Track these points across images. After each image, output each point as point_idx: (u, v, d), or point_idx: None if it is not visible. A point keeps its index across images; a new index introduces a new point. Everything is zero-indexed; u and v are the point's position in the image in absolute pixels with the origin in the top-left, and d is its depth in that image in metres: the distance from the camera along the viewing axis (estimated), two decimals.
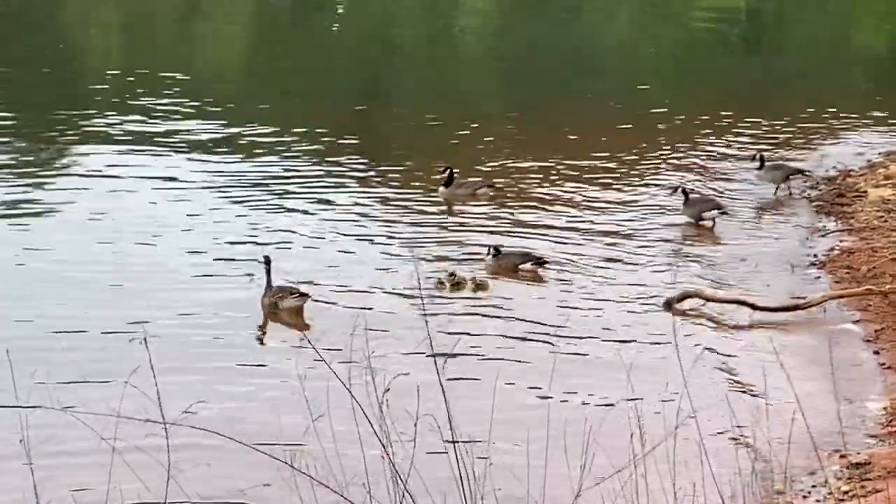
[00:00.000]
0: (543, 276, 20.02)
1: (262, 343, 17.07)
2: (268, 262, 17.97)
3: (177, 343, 15.98)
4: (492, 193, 24.64)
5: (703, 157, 28.90)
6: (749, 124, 32.57)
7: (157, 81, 36.85)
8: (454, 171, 24.58)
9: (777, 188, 25.66)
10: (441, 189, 24.52)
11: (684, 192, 23.73)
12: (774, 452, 9.50)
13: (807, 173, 26.30)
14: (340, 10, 61.20)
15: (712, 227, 23.11)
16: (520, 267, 20.08)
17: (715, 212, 23.40)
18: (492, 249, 20.25)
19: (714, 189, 26.06)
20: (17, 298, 17.81)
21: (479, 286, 19.06)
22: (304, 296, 17.70)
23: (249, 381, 15.11)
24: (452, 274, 19.06)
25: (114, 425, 8.22)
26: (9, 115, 31.77)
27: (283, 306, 17.58)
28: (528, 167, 27.30)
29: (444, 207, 24.07)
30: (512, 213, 23.68)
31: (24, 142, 28.96)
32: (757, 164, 25.89)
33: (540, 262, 20.21)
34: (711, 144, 30.24)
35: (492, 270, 19.99)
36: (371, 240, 21.68)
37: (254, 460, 8.80)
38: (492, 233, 21.46)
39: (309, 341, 8.21)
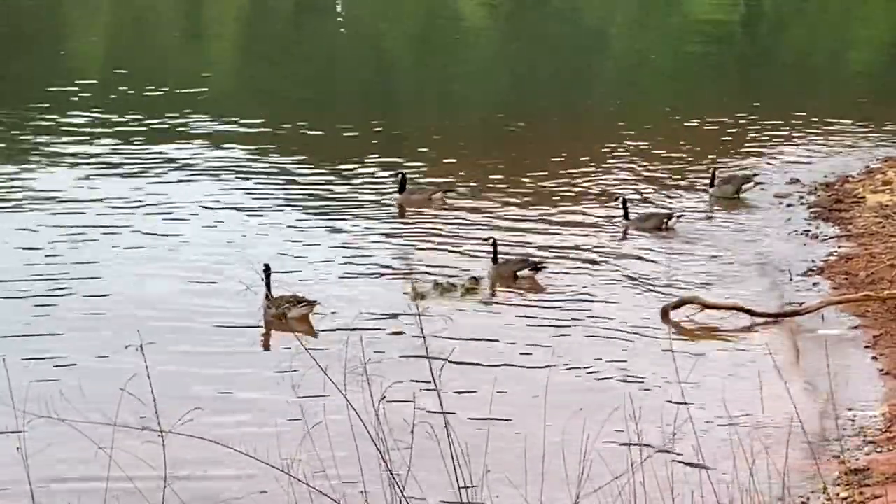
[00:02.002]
0: (541, 282, 20.02)
1: (258, 351, 17.05)
2: (267, 270, 17.96)
3: (172, 351, 15.97)
4: (447, 199, 24.82)
5: (694, 164, 28.94)
6: (743, 128, 32.63)
7: (156, 84, 36.94)
8: (406, 176, 24.86)
9: (736, 196, 25.69)
10: (395, 195, 24.70)
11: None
12: (772, 458, 9.47)
13: (757, 180, 26.26)
14: (339, 9, 61.31)
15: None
16: (518, 273, 20.09)
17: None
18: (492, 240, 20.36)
19: (709, 194, 26.08)
20: (14, 305, 17.79)
21: (470, 290, 19.09)
22: (312, 304, 17.73)
23: (246, 389, 15.10)
24: (438, 284, 19.11)
25: (110, 434, 8.22)
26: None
27: (292, 315, 17.59)
28: (526, 170, 27.36)
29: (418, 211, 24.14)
30: (510, 217, 23.79)
31: (24, 146, 29.01)
32: (709, 181, 25.94)
33: (538, 267, 20.23)
34: (707, 151, 30.24)
35: (491, 277, 20.00)
36: (367, 246, 21.69)
37: (250, 468, 8.79)
38: (486, 238, 21.36)
39: (306, 349, 8.16)
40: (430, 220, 23.60)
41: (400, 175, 24.79)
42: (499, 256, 20.28)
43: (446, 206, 24.47)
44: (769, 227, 23.84)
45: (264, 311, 17.78)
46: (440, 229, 22.93)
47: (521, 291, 19.61)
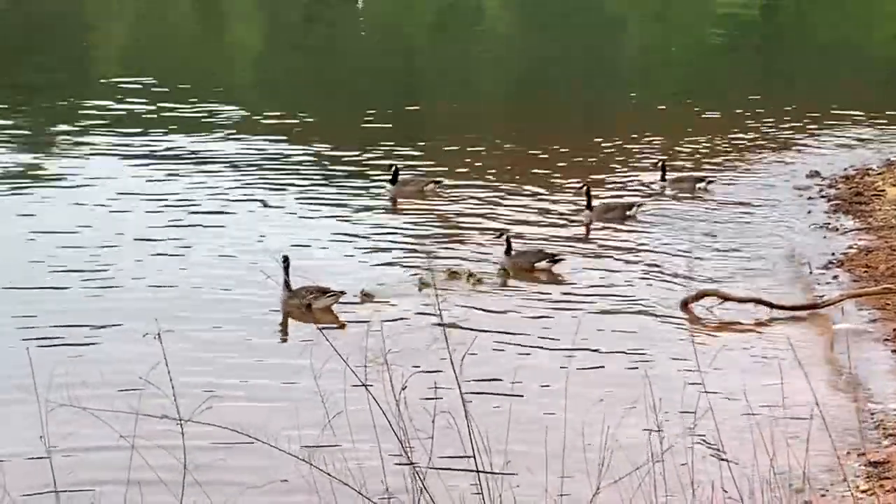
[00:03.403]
0: (560, 273, 20.02)
1: (277, 340, 17.07)
2: (286, 261, 17.99)
3: (193, 340, 16.01)
4: (437, 190, 24.90)
5: (714, 156, 28.93)
6: (765, 122, 32.53)
7: (177, 76, 36.99)
8: (399, 168, 24.98)
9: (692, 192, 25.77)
10: (388, 186, 24.77)
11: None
12: (793, 451, 9.45)
13: (708, 179, 26.24)
14: (360, 5, 61.34)
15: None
16: (536, 265, 20.08)
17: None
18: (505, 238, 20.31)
19: (729, 186, 26.08)
20: (36, 295, 17.84)
21: (478, 280, 19.08)
22: (338, 294, 17.76)
23: (266, 378, 15.12)
24: (453, 272, 19.09)
25: (132, 422, 8.23)
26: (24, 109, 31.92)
27: (318, 305, 17.64)
28: (545, 164, 27.37)
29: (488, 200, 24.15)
30: (525, 210, 23.78)
31: (44, 139, 29.11)
32: (659, 173, 26.06)
33: (555, 259, 20.23)
34: (727, 144, 30.19)
35: (505, 268, 19.98)
36: (385, 237, 21.73)
37: (271, 457, 8.79)
38: (503, 230, 21.35)
39: (326, 338, 8.15)
40: (447, 210, 23.66)
41: (392, 167, 24.90)
42: (513, 248, 20.27)
43: (463, 197, 24.49)
44: (789, 219, 23.78)
45: (283, 301, 17.82)
46: (455, 219, 22.97)
47: (540, 282, 19.61)
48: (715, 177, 26.57)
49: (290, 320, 17.58)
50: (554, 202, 24.51)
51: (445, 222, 22.95)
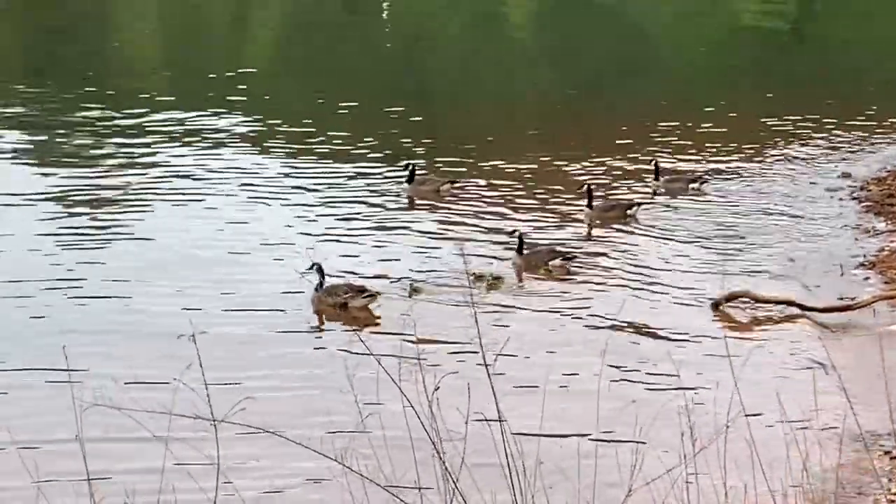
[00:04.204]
0: (589, 273, 19.99)
1: (312, 340, 17.09)
2: (320, 270, 18.01)
3: (226, 340, 16.06)
4: (454, 190, 24.96)
5: (745, 157, 28.88)
6: (795, 124, 32.44)
7: (204, 78, 37.12)
8: (416, 167, 25.04)
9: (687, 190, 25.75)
10: (404, 185, 24.89)
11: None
12: (826, 452, 9.44)
13: (703, 179, 26.15)
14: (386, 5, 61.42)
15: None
16: (549, 263, 20.11)
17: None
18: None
19: (760, 187, 26.04)
20: (71, 298, 17.93)
21: (493, 284, 19.08)
22: (374, 295, 17.81)
23: (299, 378, 15.15)
24: (479, 276, 19.12)
25: (165, 421, 8.27)
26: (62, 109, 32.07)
27: (354, 305, 17.71)
28: (569, 164, 27.35)
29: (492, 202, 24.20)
30: (556, 211, 23.80)
31: (79, 140, 29.24)
32: (654, 173, 26.03)
33: (568, 257, 20.26)
34: (757, 146, 30.13)
35: (519, 267, 20.01)
36: (418, 237, 21.76)
37: (304, 457, 8.84)
38: (515, 228, 21.33)
39: (361, 338, 8.19)
40: (475, 211, 23.68)
41: (409, 166, 24.99)
42: (525, 247, 20.30)
43: (479, 196, 24.54)
44: (820, 221, 23.70)
45: (315, 301, 17.86)
46: (482, 222, 23.00)
47: (570, 283, 19.58)
48: (710, 177, 26.51)
49: (325, 321, 17.61)
50: (572, 204, 24.38)
51: (460, 222, 22.94)
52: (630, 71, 44.34)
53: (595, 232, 22.66)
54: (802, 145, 30.29)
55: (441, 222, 22.92)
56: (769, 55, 49.17)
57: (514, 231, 20.67)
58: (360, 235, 21.82)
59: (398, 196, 24.76)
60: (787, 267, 20.72)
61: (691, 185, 25.78)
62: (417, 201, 24.47)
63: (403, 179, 25.04)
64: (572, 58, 47.13)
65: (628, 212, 23.41)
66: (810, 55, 48.97)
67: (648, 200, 24.64)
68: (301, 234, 21.51)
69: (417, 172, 25.02)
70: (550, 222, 23.30)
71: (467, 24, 57.71)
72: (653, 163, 26.08)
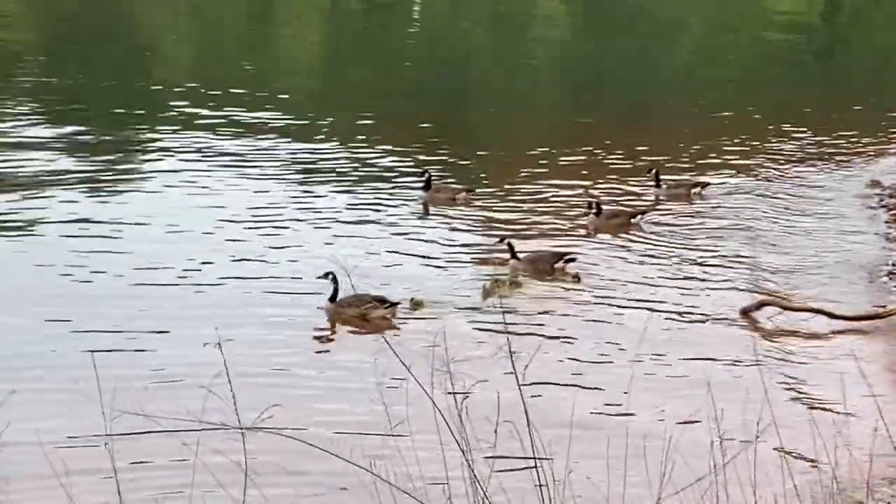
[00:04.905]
0: (620, 279, 19.94)
1: (339, 348, 17.09)
2: (335, 279, 18.02)
3: (253, 348, 16.07)
4: (470, 198, 25.04)
5: (774, 163, 28.83)
6: (825, 130, 32.36)
7: (233, 83, 37.26)
8: (431, 174, 25.22)
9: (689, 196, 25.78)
10: (420, 193, 24.99)
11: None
12: (856, 461, 9.39)
13: (703, 184, 26.20)
14: (417, 7, 61.55)
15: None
16: (555, 266, 20.19)
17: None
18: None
19: (789, 194, 25.98)
20: (97, 305, 17.97)
21: (514, 283, 19.08)
22: (394, 305, 17.82)
23: (328, 386, 15.15)
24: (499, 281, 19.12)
25: (194, 430, 8.25)
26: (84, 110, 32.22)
27: (374, 316, 17.72)
28: (589, 173, 27.37)
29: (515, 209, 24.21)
30: (570, 217, 23.85)
31: (98, 143, 29.37)
32: (654, 181, 26.06)
33: (570, 259, 20.34)
34: (786, 152, 30.07)
35: (523, 272, 20.00)
36: (445, 245, 21.75)
37: (333, 465, 8.83)
38: (502, 235, 21.33)
39: (391, 347, 8.16)
40: (497, 217, 23.71)
41: (425, 173, 25.15)
42: (522, 252, 20.42)
43: (496, 205, 24.58)
44: (850, 229, 23.63)
45: (330, 311, 17.87)
46: (496, 230, 23.03)
47: (599, 288, 19.54)
48: (711, 182, 26.51)
49: (352, 328, 17.62)
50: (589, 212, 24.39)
51: (477, 229, 22.96)
52: (657, 78, 44.32)
53: (612, 240, 22.57)
54: (831, 153, 30.22)
55: (456, 230, 22.89)
56: (798, 61, 49.11)
57: (502, 239, 20.71)
58: (376, 241, 21.82)
59: (414, 203, 24.77)
60: (815, 275, 20.65)
61: (693, 191, 25.83)
62: (433, 209, 24.49)
63: (420, 187, 25.11)
64: (598, 64, 47.09)
65: (632, 220, 23.42)
66: (840, 61, 48.84)
67: (658, 207, 24.59)
68: (324, 242, 21.48)
69: (433, 180, 25.12)
70: (564, 228, 23.29)
71: (493, 28, 57.73)
72: (653, 172, 26.11)
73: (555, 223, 23.61)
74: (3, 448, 10.73)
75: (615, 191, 26.05)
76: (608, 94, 39.69)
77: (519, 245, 20.93)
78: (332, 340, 17.39)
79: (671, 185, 26.09)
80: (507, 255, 20.49)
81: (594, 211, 23.35)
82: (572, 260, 20.50)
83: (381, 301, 17.86)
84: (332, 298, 17.97)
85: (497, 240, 20.97)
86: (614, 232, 22.90)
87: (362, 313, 17.79)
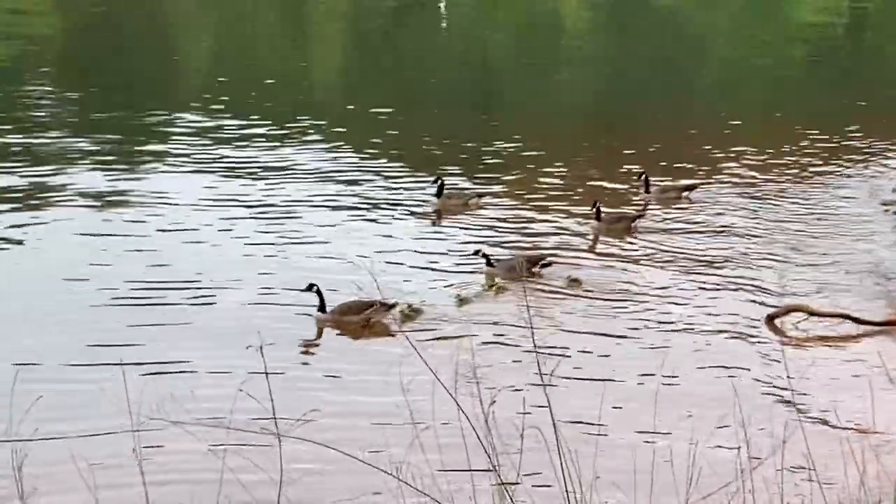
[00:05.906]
0: (644, 286, 19.92)
1: (365, 353, 17.10)
2: (318, 292, 18.00)
3: (281, 354, 16.11)
4: (482, 203, 25.10)
5: (798, 169, 28.81)
6: (850, 136, 32.28)
7: (260, 85, 37.37)
8: (444, 181, 25.33)
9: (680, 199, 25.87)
10: (433, 199, 25.08)
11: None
12: (883, 467, 9.37)
13: (691, 186, 26.28)
14: (443, 9, 61.62)
15: None
16: (532, 271, 20.24)
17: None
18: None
19: (810, 200, 25.96)
20: (128, 310, 18.03)
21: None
22: (392, 306, 17.81)
23: (355, 392, 15.17)
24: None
25: (224, 436, 8.31)
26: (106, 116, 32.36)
27: (376, 319, 17.77)
28: (608, 182, 27.36)
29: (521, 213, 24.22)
30: (581, 222, 23.88)
31: (138, 150, 29.53)
32: (643, 185, 26.14)
33: (546, 264, 20.50)
34: (811, 158, 30.01)
35: (502, 278, 19.99)
36: (454, 252, 21.81)
37: (361, 471, 8.86)
38: (477, 249, 21.32)
39: (417, 351, 8.17)
40: (514, 223, 23.73)
41: (438, 179, 25.25)
42: (496, 258, 20.53)
43: (508, 213, 24.63)
44: (875, 234, 23.57)
45: (318, 320, 17.88)
46: (507, 236, 23.04)
47: (624, 296, 19.51)
48: (700, 185, 26.56)
49: (374, 335, 17.63)
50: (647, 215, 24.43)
51: (487, 237, 22.99)
52: (680, 83, 44.27)
53: (624, 245, 22.57)
54: (857, 159, 30.13)
55: (468, 236, 22.91)
56: (824, 65, 48.97)
57: (477, 251, 20.68)
58: (389, 245, 21.88)
59: (426, 208, 24.82)
60: (842, 280, 20.59)
61: (683, 194, 25.93)
62: (445, 215, 24.52)
63: (432, 192, 25.16)
64: (621, 68, 47.06)
65: (632, 224, 23.46)
66: (866, 66, 48.67)
67: (644, 212, 24.64)
68: (361, 249, 21.50)
69: (446, 187, 25.22)
70: (573, 232, 23.31)
71: (519, 31, 57.74)
72: (642, 177, 26.16)
73: (569, 229, 23.59)
74: (31, 453, 10.82)
75: (627, 198, 26.06)
76: (632, 104, 39.61)
77: (531, 253, 21.15)
78: (360, 346, 17.37)
79: (660, 189, 26.11)
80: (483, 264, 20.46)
81: (595, 216, 23.41)
82: (548, 265, 20.54)
83: (382, 303, 17.73)
84: (321, 309, 17.98)
85: (473, 252, 20.93)
86: (618, 236, 22.95)
87: (366, 318, 17.83)
